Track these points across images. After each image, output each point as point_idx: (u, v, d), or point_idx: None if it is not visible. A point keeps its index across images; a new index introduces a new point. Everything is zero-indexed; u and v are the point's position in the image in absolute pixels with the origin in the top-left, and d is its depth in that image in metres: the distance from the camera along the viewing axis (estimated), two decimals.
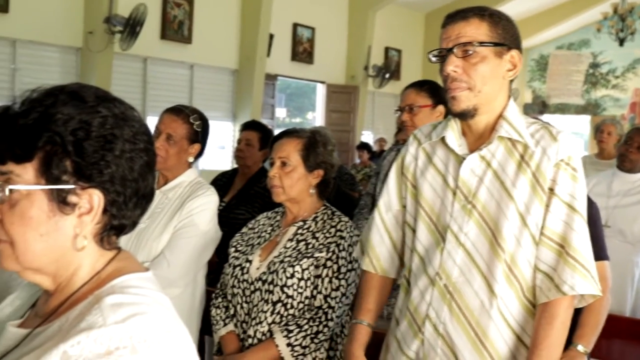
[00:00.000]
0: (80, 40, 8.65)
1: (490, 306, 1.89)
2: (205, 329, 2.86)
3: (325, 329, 2.39)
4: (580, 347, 2.36)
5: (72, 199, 1.08)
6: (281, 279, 2.39)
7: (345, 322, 2.53)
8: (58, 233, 1.08)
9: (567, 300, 1.87)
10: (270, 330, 2.40)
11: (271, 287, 2.41)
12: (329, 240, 2.46)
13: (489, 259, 1.89)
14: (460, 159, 1.97)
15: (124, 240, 1.22)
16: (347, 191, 6.21)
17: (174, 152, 2.73)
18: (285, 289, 2.39)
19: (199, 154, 2.84)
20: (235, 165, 4.35)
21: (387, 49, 14.28)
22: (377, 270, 2.15)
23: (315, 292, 2.41)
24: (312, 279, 2.41)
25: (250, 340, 2.43)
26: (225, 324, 2.53)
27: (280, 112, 15.57)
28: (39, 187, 1.07)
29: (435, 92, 3.20)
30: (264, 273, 2.45)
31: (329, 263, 2.42)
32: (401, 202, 2.12)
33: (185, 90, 10.25)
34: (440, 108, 3.19)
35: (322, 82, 13.12)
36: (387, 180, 2.18)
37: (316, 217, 2.54)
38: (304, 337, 2.36)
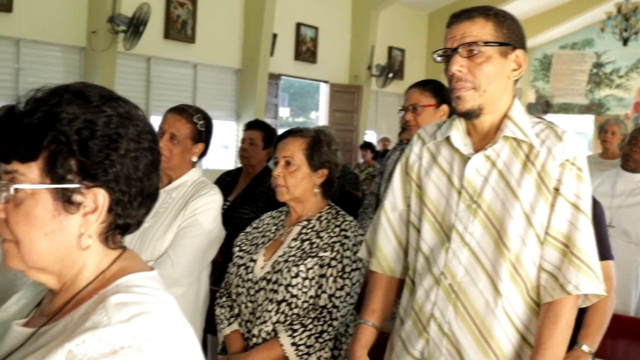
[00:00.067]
0: (84, 39, 8.66)
1: (496, 305, 1.89)
2: (209, 327, 2.86)
3: (330, 329, 2.39)
4: (584, 347, 2.36)
5: (77, 198, 1.08)
6: (285, 279, 2.39)
7: (350, 322, 2.53)
8: (63, 232, 1.08)
9: (572, 299, 1.86)
10: (274, 330, 2.40)
11: (275, 286, 2.41)
12: (334, 239, 2.45)
13: (494, 258, 1.89)
14: (465, 159, 1.97)
15: (127, 240, 1.22)
16: (351, 191, 6.20)
17: (178, 152, 2.72)
18: (290, 289, 2.39)
19: (203, 153, 2.84)
20: (239, 165, 4.35)
21: (390, 49, 14.27)
22: (385, 270, 2.15)
23: (319, 291, 2.41)
24: (316, 278, 2.41)
25: (254, 340, 2.43)
26: (229, 323, 2.53)
27: (284, 112, 15.55)
28: (43, 186, 1.07)
29: (439, 91, 3.20)
30: (268, 272, 2.45)
31: (333, 262, 2.42)
32: (406, 201, 2.12)
33: (188, 90, 10.25)
34: (444, 107, 3.19)
35: (326, 82, 13.11)
36: (391, 180, 2.18)
37: (320, 216, 2.54)
38: (309, 337, 2.36)
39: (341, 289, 2.41)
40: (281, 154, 2.52)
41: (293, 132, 2.58)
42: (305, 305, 2.41)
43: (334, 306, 2.40)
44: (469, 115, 1.93)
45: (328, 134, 2.60)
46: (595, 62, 17.13)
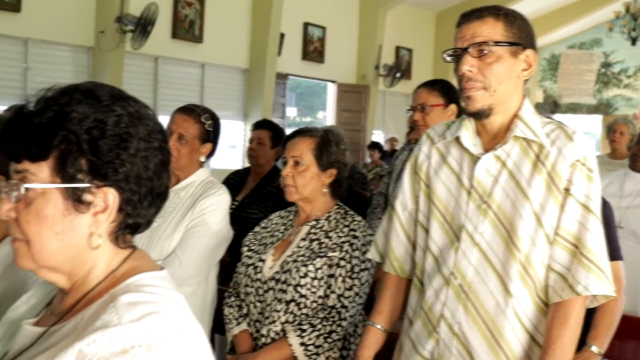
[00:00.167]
0: (92, 39, 8.68)
1: (506, 306, 1.88)
2: (216, 327, 2.86)
3: (339, 329, 2.39)
4: (594, 348, 2.35)
5: (87, 197, 1.08)
6: (294, 279, 2.39)
7: (359, 322, 2.53)
8: (73, 231, 1.09)
9: (581, 300, 1.86)
10: (283, 330, 2.40)
11: (284, 286, 2.41)
12: (342, 239, 2.45)
13: (504, 258, 1.89)
14: (475, 159, 1.96)
15: (135, 239, 1.22)
16: (359, 190, 6.19)
17: (186, 152, 2.73)
18: (299, 289, 2.39)
19: (211, 153, 2.84)
20: (247, 164, 4.35)
21: (398, 48, 14.25)
22: (398, 271, 2.15)
23: (328, 291, 2.41)
24: (325, 278, 2.41)
25: (263, 340, 2.43)
26: (238, 323, 2.53)
27: (291, 112, 15.57)
28: (54, 185, 1.07)
29: (447, 91, 3.19)
30: (277, 272, 2.44)
31: (342, 262, 2.41)
32: (415, 201, 2.12)
33: (196, 90, 10.26)
34: (452, 107, 3.18)
35: (333, 82, 13.11)
36: (401, 179, 2.18)
37: (329, 216, 2.54)
38: (317, 337, 2.36)
39: (350, 289, 2.40)
40: (290, 154, 2.52)
41: (302, 132, 2.58)
42: (314, 305, 2.41)
43: (343, 306, 2.39)
44: (479, 115, 1.92)
45: (337, 133, 2.60)
46: (603, 61, 17.07)
